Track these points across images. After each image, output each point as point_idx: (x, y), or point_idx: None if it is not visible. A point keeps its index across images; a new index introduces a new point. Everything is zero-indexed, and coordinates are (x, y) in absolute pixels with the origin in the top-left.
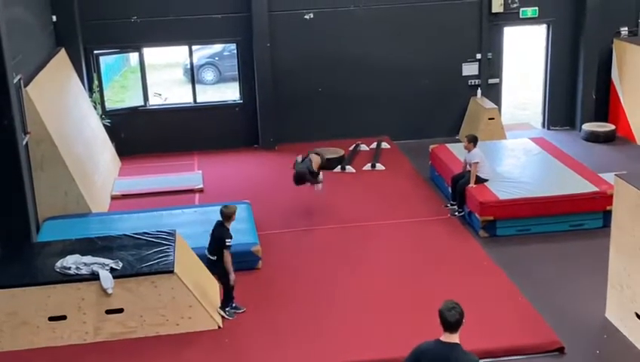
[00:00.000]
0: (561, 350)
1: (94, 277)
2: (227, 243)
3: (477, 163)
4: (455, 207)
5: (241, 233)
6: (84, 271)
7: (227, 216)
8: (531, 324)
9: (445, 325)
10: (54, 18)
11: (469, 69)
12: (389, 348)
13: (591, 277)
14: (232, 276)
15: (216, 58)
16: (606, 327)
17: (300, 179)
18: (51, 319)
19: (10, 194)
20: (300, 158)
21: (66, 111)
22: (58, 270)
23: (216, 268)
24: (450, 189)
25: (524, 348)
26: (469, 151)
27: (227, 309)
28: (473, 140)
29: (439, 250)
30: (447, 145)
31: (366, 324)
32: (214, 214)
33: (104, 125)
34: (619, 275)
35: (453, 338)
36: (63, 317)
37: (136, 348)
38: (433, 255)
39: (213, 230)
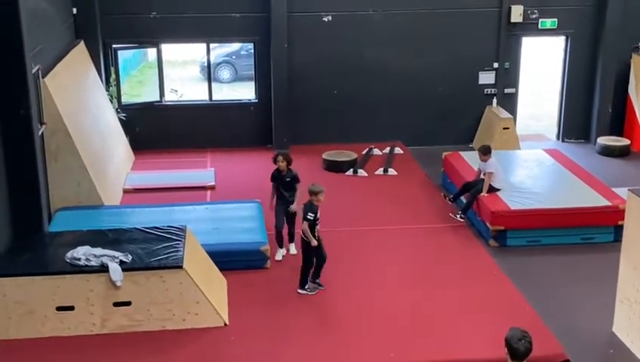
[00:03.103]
0: None
1: (104, 269)
2: (308, 216)
3: (492, 173)
4: (458, 211)
5: (250, 232)
6: (93, 262)
7: (312, 192)
8: (537, 336)
9: (516, 356)
10: (74, 11)
11: (486, 78)
12: (395, 352)
13: (599, 291)
14: (314, 242)
15: (233, 57)
16: (612, 342)
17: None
18: (59, 309)
19: (23, 184)
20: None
21: (82, 104)
22: (68, 261)
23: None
24: (457, 190)
25: (530, 360)
26: (485, 161)
27: (307, 287)
28: (487, 151)
29: (448, 257)
30: (461, 153)
31: (372, 327)
32: (225, 211)
33: (119, 119)
34: (628, 290)
35: None
36: (71, 308)
37: (142, 342)
38: (442, 262)
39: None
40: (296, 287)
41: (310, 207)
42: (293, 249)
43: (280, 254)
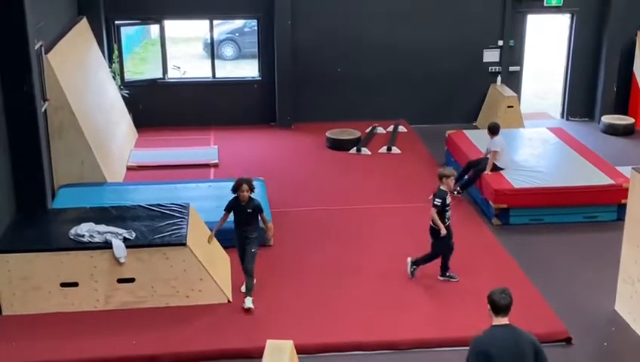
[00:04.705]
0: (568, 341)
1: (107, 245)
2: (435, 202)
3: (497, 151)
4: (457, 188)
5: None
6: (97, 239)
7: (441, 176)
8: (540, 314)
9: (498, 309)
10: None
11: (490, 56)
12: (397, 330)
13: (602, 269)
14: (443, 230)
15: (237, 34)
16: (615, 320)
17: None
18: (63, 285)
19: (27, 161)
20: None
21: (85, 80)
22: (72, 237)
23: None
24: (460, 170)
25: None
26: (492, 138)
27: (449, 274)
28: (495, 130)
29: None
30: (465, 131)
31: (375, 305)
32: (228, 189)
33: (122, 96)
34: (630, 269)
35: (506, 321)
36: (75, 284)
37: (145, 318)
38: None
39: None
40: (299, 265)
41: (439, 191)
42: (249, 302)
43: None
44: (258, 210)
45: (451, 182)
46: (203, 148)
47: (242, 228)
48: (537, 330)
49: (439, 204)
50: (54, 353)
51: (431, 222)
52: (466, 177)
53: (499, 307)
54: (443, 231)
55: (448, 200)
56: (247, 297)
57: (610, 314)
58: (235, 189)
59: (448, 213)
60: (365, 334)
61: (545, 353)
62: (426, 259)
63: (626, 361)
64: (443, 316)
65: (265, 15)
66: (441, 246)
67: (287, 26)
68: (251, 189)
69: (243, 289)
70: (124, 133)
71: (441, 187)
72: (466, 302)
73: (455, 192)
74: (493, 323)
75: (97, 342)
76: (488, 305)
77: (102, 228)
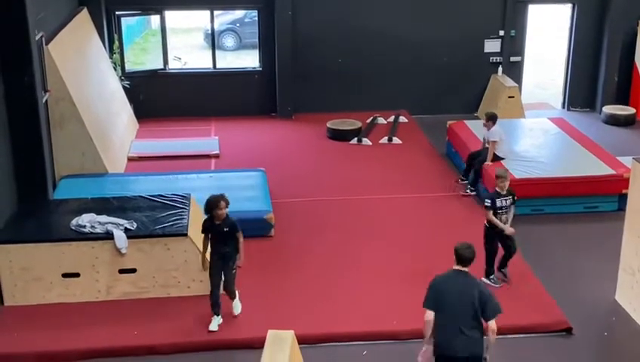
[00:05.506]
0: (569, 330)
1: (109, 236)
2: (485, 203)
3: (495, 141)
4: (466, 182)
5: (254, 200)
6: (98, 229)
7: (495, 176)
8: (541, 304)
9: (461, 260)
10: None
11: (492, 46)
12: (398, 320)
13: (603, 259)
14: (509, 230)
15: (237, 24)
16: (615, 310)
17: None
18: (65, 276)
19: (28, 151)
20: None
21: (86, 71)
22: (73, 228)
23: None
24: (465, 165)
25: (533, 327)
26: (489, 129)
27: (492, 277)
28: (492, 118)
29: (452, 225)
30: (465, 121)
31: (376, 296)
32: (229, 180)
33: (123, 87)
34: (631, 259)
35: (464, 269)
36: (77, 275)
37: (147, 308)
38: (445, 230)
39: None
40: (299, 255)
41: (493, 192)
42: (237, 307)
43: (215, 324)
44: (235, 228)
45: (501, 183)
46: (204, 139)
47: (220, 251)
48: (538, 320)
49: (488, 204)
50: (56, 343)
51: (485, 222)
52: (471, 174)
53: (462, 258)
54: (509, 231)
55: (501, 202)
56: (235, 301)
57: (610, 304)
58: (211, 208)
59: (504, 217)
60: (367, 324)
61: (490, 300)
62: (488, 260)
63: (627, 351)
64: None
65: (265, 5)
66: (501, 245)
67: (288, 17)
68: (227, 204)
69: (237, 311)
70: (125, 123)
71: (496, 188)
72: None
73: (468, 191)
74: (453, 268)
75: (99, 332)
76: (455, 256)
77: (103, 218)
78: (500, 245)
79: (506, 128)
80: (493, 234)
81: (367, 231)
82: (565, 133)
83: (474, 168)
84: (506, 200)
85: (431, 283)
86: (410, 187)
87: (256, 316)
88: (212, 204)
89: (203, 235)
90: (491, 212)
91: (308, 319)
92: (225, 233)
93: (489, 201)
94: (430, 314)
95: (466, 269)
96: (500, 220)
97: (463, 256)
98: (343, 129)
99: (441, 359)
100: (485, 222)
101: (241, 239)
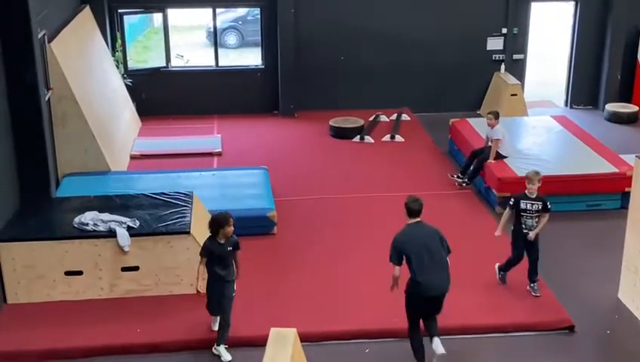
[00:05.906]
0: (571, 328)
1: (111, 234)
2: (509, 202)
3: (498, 139)
4: (460, 179)
5: (257, 198)
6: (101, 227)
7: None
8: (543, 301)
9: (412, 213)
10: None
11: (494, 44)
12: (401, 318)
13: (605, 257)
14: (531, 234)
15: (240, 22)
16: (618, 308)
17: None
18: (67, 274)
19: (30, 149)
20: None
21: (88, 69)
22: (76, 226)
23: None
24: (465, 161)
25: (535, 325)
26: (492, 127)
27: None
28: (496, 116)
29: (454, 223)
30: (468, 119)
31: (378, 294)
32: (232, 178)
33: (126, 85)
34: (633, 257)
35: (418, 220)
36: (80, 273)
37: (150, 306)
38: (448, 228)
39: None
40: (302, 253)
41: (521, 193)
42: (225, 355)
43: (217, 324)
44: (238, 246)
45: (527, 184)
46: (206, 137)
47: (220, 272)
48: (541, 318)
49: (511, 203)
50: (59, 341)
51: (511, 226)
52: (471, 168)
53: (412, 211)
54: (530, 236)
55: (526, 205)
56: (223, 347)
57: (613, 302)
58: (219, 226)
59: (529, 221)
60: (369, 322)
61: (445, 239)
62: (508, 263)
63: (629, 349)
64: (445, 303)
65: (268, 3)
66: (525, 250)
67: (290, 15)
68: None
69: (221, 352)
70: (128, 121)
71: (525, 190)
72: (469, 290)
73: (464, 184)
74: (408, 223)
75: (101, 330)
76: (405, 211)
77: (106, 216)
78: (525, 253)
79: (509, 126)
80: (518, 237)
81: (370, 229)
82: (568, 130)
83: (475, 165)
84: (532, 204)
85: (394, 242)
86: (413, 185)
87: (258, 314)
88: (222, 221)
89: (201, 259)
90: (511, 212)
91: (310, 317)
92: (227, 253)
93: (512, 200)
94: (397, 269)
95: (419, 219)
96: (525, 224)
97: (413, 209)
98: (345, 127)
99: (420, 300)
100: (511, 225)
101: (239, 256)
